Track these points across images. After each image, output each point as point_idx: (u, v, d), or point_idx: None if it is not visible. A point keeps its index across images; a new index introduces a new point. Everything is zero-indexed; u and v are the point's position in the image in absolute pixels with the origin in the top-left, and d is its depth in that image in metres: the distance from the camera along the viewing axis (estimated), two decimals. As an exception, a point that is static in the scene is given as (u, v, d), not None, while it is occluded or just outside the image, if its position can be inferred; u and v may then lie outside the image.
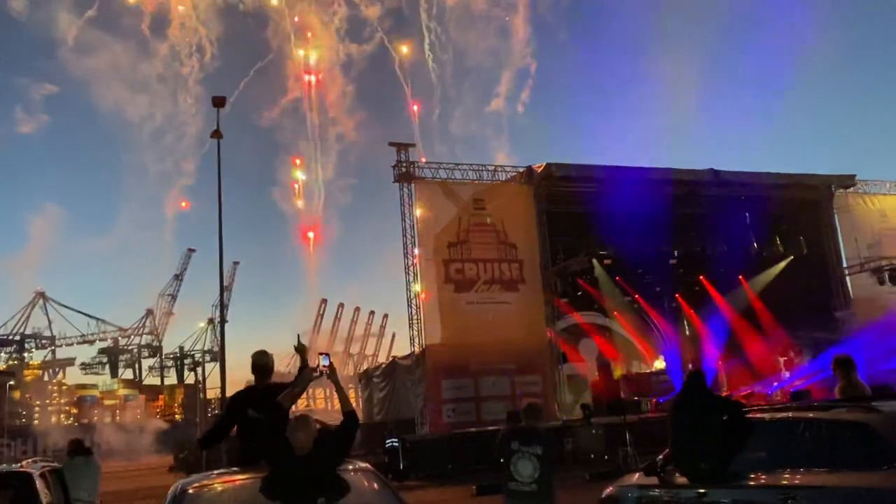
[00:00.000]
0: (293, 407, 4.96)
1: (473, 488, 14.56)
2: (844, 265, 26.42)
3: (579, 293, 27.68)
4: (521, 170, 23.13)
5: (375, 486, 4.63)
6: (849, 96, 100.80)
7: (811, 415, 6.29)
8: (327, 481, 4.24)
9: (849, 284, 26.34)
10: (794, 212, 26.92)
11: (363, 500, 4.43)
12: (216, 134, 22.36)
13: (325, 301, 69.35)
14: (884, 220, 26.91)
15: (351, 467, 4.63)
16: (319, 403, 60.36)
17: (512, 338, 20.82)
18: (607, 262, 27.22)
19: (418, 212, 21.54)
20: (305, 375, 5.01)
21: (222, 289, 23.59)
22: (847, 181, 26.43)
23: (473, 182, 22.58)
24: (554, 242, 23.63)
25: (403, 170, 21.78)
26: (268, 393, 5.06)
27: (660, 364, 27.13)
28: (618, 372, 26.65)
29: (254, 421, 5.00)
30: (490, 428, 18.99)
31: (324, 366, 4.92)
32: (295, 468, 4.21)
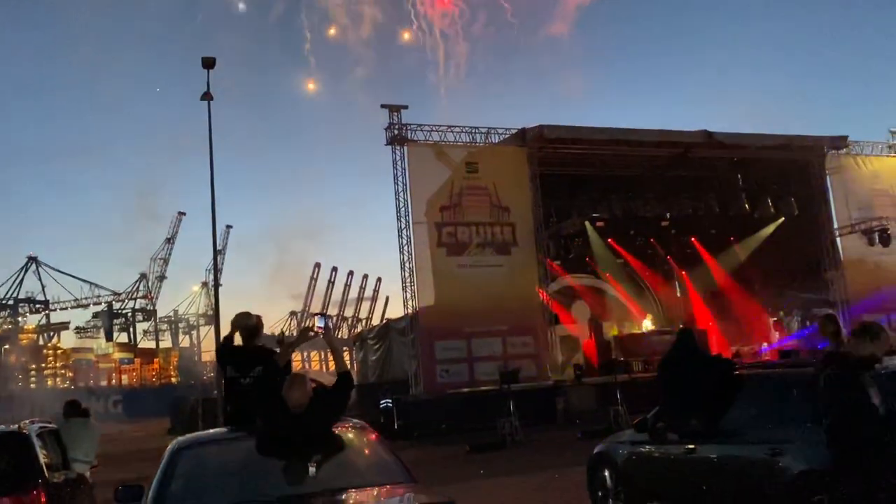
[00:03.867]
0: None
1: (467, 446, 14.81)
2: (835, 226, 26.49)
3: (571, 255, 27.75)
4: (514, 132, 22.96)
5: (371, 442, 4.72)
6: (843, 57, 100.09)
7: (798, 372, 6.41)
8: (323, 439, 4.30)
9: (839, 246, 26.44)
10: (787, 173, 26.89)
11: (359, 456, 4.52)
12: (207, 96, 22.12)
13: (318, 265, 69.34)
14: (876, 182, 26.91)
15: (347, 425, 4.71)
16: (315, 365, 60.76)
17: (504, 300, 20.90)
18: (600, 224, 27.28)
19: (410, 175, 21.43)
20: (301, 333, 5.08)
21: (216, 252, 23.59)
22: (839, 143, 26.33)
23: (466, 144, 22.42)
24: (546, 205, 23.60)
25: (395, 132, 21.60)
26: (252, 355, 5.08)
27: (649, 324, 27.37)
28: (610, 333, 26.86)
29: (233, 380, 5.03)
30: (483, 388, 19.25)
31: (319, 327, 4.96)
32: (290, 426, 4.27)
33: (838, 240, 26.39)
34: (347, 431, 4.60)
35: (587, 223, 27.06)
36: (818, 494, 5.07)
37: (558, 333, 23.81)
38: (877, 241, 25.61)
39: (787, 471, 5.35)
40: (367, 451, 4.62)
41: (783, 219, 27.23)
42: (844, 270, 25.87)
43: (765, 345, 26.53)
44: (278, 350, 5.18)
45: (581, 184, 25.53)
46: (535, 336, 21.74)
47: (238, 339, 5.24)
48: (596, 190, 26.29)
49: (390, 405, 18.90)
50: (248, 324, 5.23)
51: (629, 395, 16.73)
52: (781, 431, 5.60)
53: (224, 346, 5.38)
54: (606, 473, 7.35)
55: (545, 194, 22.98)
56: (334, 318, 66.53)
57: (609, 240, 27.89)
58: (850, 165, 26.68)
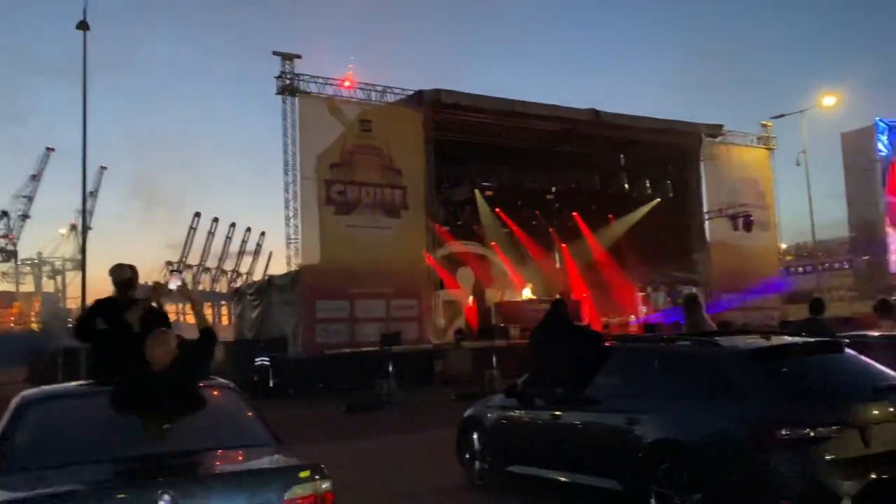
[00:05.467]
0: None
1: (343, 406, 14.82)
2: (705, 210, 28.20)
3: (460, 222, 28.14)
4: (411, 93, 22.72)
5: (234, 401, 4.58)
6: (725, 50, 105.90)
7: (659, 347, 6.79)
8: (185, 397, 4.14)
9: (707, 229, 28.21)
10: (665, 157, 28.26)
11: (222, 417, 4.39)
12: (82, 25, 20.52)
13: (198, 214, 66.37)
14: (744, 170, 28.77)
15: (210, 384, 4.55)
16: (190, 318, 58.73)
17: (391, 262, 20.87)
18: (489, 192, 27.76)
19: (301, 128, 20.82)
20: (152, 290, 4.89)
21: (85, 192, 22.18)
22: (715, 130, 27.89)
23: (361, 102, 22.00)
24: (439, 170, 23.66)
25: (287, 81, 20.86)
26: (126, 308, 4.84)
27: (528, 293, 28.28)
28: (491, 299, 27.52)
29: (101, 333, 4.79)
30: (363, 349, 19.25)
31: (178, 285, 4.79)
32: (150, 383, 4.08)
33: (706, 223, 28.13)
34: (211, 391, 4.44)
35: (477, 191, 27.44)
36: (667, 462, 5.40)
37: (442, 298, 24.15)
38: (740, 226, 27.53)
39: (641, 439, 5.65)
40: (230, 412, 4.48)
41: (658, 200, 28.69)
42: (710, 252, 27.65)
43: (633, 318, 28.07)
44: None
45: (474, 152, 25.77)
46: (419, 300, 21.92)
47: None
48: (487, 159, 26.64)
49: (267, 363, 18.55)
50: (122, 276, 4.95)
51: (505, 361, 17.25)
52: (639, 401, 5.91)
53: (91, 310, 5.14)
54: (475, 436, 7.52)
55: (438, 159, 23.02)
56: (212, 271, 64.21)
57: (497, 209, 28.45)
58: (722, 153, 28.36)
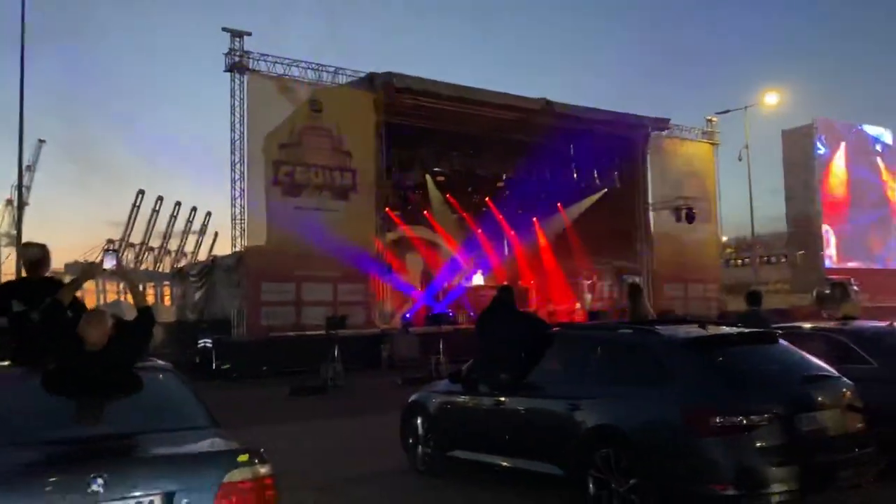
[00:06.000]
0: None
1: (287, 390, 14.68)
2: (650, 202, 28.77)
3: (410, 207, 28.06)
4: (363, 75, 22.47)
5: (171, 383, 4.48)
6: (673, 48, 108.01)
7: (601, 334, 6.91)
8: (119, 378, 4.02)
9: (651, 220, 28.80)
10: (613, 148, 28.62)
11: (159, 399, 4.28)
12: (19, -10, 19.62)
13: (142, 192, 64.52)
14: (688, 164, 29.42)
15: (148, 365, 4.43)
16: (130, 297, 56.98)
17: (339, 246, 20.65)
18: (440, 178, 27.75)
19: (249, 107, 20.38)
20: (85, 270, 4.73)
21: (21, 166, 21.40)
22: (662, 124, 28.42)
23: (312, 82, 21.65)
24: (390, 154, 23.52)
25: (236, 59, 20.38)
26: (41, 286, 4.65)
27: (478, 280, 28.45)
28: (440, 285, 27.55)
29: (20, 315, 4.60)
30: (309, 333, 19.07)
31: (114, 264, 4.65)
32: (85, 365, 3.95)
33: (651, 214, 28.72)
34: (148, 372, 4.32)
35: (428, 176, 27.40)
36: (606, 448, 5.50)
37: (390, 283, 24.09)
38: (683, 218, 28.18)
39: (581, 425, 5.75)
40: (167, 394, 4.37)
41: (605, 190, 29.13)
42: (653, 242, 28.27)
43: (578, 305, 28.56)
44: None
45: (426, 137, 25.68)
46: (367, 284, 21.81)
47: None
48: (439, 144, 26.59)
49: (209, 345, 18.24)
50: (31, 255, 4.75)
51: (452, 346, 17.32)
52: (580, 388, 6.00)
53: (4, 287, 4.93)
54: (419, 421, 7.53)
55: (390, 143, 22.87)
56: (156, 251, 62.59)
57: (447, 195, 28.47)
58: (668, 146, 28.97)
